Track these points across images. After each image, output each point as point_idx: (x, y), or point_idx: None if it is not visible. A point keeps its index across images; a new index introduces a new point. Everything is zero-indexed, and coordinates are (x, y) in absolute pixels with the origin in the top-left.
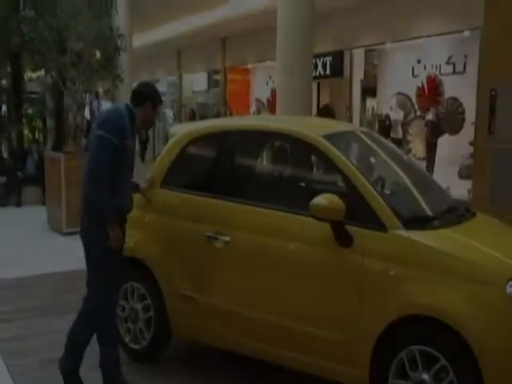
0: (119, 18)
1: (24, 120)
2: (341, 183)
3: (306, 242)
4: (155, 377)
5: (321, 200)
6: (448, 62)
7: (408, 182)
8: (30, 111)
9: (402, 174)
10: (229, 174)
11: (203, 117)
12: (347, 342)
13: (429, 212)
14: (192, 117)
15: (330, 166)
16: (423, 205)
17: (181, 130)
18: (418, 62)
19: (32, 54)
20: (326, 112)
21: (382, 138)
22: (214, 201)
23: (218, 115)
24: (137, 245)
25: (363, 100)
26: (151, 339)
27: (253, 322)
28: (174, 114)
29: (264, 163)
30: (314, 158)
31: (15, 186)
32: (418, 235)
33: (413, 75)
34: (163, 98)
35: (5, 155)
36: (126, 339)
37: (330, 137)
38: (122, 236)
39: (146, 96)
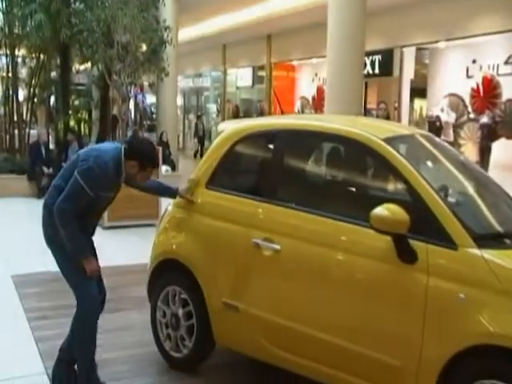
0: (166, 10)
1: (70, 111)
2: (403, 192)
3: (364, 255)
4: None
5: (383, 211)
6: (507, 62)
7: (476, 192)
8: (76, 103)
9: (468, 183)
10: (280, 177)
11: (247, 113)
12: (406, 370)
13: (501, 228)
14: (236, 112)
15: (392, 172)
16: (495, 220)
17: (229, 128)
18: (473, 61)
19: (80, 47)
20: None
21: (444, 143)
22: (263, 205)
23: (261, 112)
24: (179, 247)
25: (412, 100)
26: (193, 347)
27: (299, 338)
28: (217, 109)
29: (318, 166)
30: (373, 163)
31: None
32: (492, 255)
33: (467, 75)
34: (207, 93)
35: (51, 146)
36: (167, 346)
37: (390, 140)
38: (97, 263)
39: (134, 155)
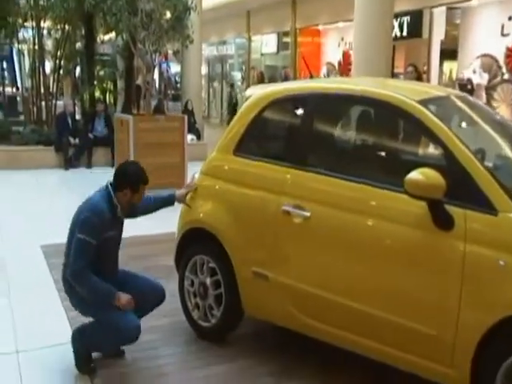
0: None
1: (96, 82)
2: (439, 156)
3: (397, 221)
4: (223, 357)
5: (418, 175)
6: None
7: None
8: (101, 73)
9: (507, 145)
10: (309, 142)
11: (272, 79)
12: (443, 340)
13: None
14: (261, 79)
15: (427, 135)
16: None
17: (257, 93)
18: (510, 18)
19: (104, 15)
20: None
21: (481, 104)
22: (292, 171)
23: (286, 78)
24: (206, 215)
25: (441, 63)
26: (221, 317)
27: (329, 306)
28: (242, 77)
29: (348, 131)
30: (407, 126)
31: (87, 147)
32: None
33: (502, 34)
34: (231, 60)
35: (77, 117)
36: (195, 316)
37: (425, 102)
38: (126, 296)
39: (123, 183)
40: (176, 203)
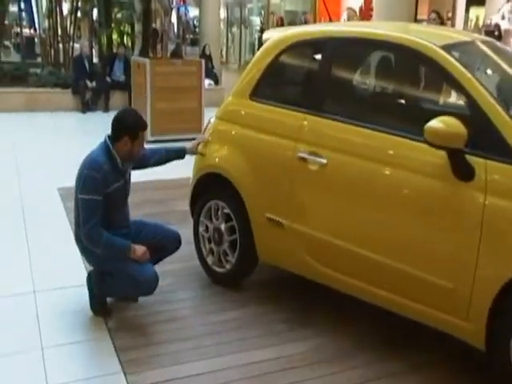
0: None
1: (113, 25)
2: (462, 104)
3: (415, 170)
4: (237, 303)
5: (438, 123)
6: None
7: None
8: (119, 15)
9: None
10: (327, 88)
11: (291, 25)
12: (459, 293)
13: None
14: (280, 24)
15: (450, 83)
16: None
17: (275, 35)
18: None
19: None
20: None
21: (508, 50)
22: (309, 117)
23: (305, 24)
24: (221, 160)
25: (467, 9)
26: (236, 263)
27: (344, 254)
28: (261, 22)
29: (368, 76)
30: (429, 72)
31: (104, 91)
32: None
33: None
34: (250, 5)
35: (95, 60)
36: (209, 261)
37: (449, 47)
38: (141, 248)
39: (121, 130)
40: (187, 156)
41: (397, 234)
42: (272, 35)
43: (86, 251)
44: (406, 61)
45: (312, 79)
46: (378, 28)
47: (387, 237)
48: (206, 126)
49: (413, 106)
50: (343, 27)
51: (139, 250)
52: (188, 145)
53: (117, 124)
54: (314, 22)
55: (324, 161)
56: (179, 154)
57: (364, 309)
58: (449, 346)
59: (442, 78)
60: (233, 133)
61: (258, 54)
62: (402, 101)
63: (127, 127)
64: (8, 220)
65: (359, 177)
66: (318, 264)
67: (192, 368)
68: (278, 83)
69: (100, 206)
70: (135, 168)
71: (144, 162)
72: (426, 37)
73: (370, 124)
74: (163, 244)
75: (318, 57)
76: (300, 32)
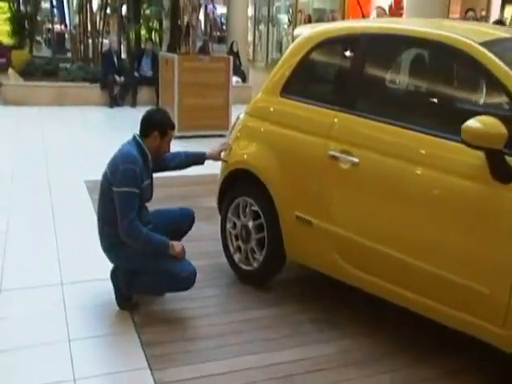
0: None
1: (142, 20)
2: (503, 104)
3: (451, 171)
4: (263, 302)
5: (476, 123)
6: None
7: None
8: (147, 11)
9: None
10: (359, 85)
11: (319, 22)
12: (496, 298)
13: None
14: (308, 23)
15: (490, 80)
16: None
17: (307, 32)
18: None
19: None
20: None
21: None
22: (340, 115)
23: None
24: (250, 157)
25: (503, 8)
26: (263, 261)
27: (374, 255)
28: (289, 20)
29: (402, 74)
30: (467, 70)
31: (132, 86)
32: None
33: None
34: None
35: (123, 55)
36: (236, 258)
37: (488, 44)
38: (179, 244)
39: (151, 126)
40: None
41: (429, 236)
42: (303, 31)
43: (112, 249)
44: (443, 58)
45: (344, 76)
46: (412, 24)
47: (419, 239)
48: (235, 122)
49: (449, 104)
50: (377, 23)
51: (178, 246)
52: (209, 150)
53: (146, 121)
54: (343, 20)
55: (356, 160)
56: (199, 160)
57: (394, 312)
58: (482, 353)
59: (481, 75)
60: (262, 129)
61: (288, 50)
62: (438, 99)
63: (157, 123)
64: (37, 212)
65: (391, 177)
66: (347, 264)
67: (217, 366)
68: (308, 80)
69: (137, 200)
70: (154, 170)
71: (164, 165)
72: (463, 33)
73: (404, 123)
74: (179, 225)
75: (350, 53)
76: (332, 28)
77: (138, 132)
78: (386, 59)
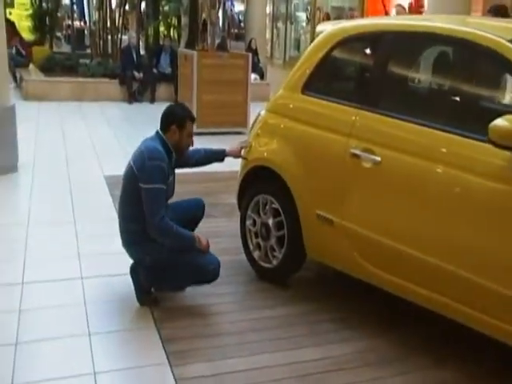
0: None
1: (160, 17)
2: None
3: (476, 172)
4: (283, 300)
5: (504, 122)
6: None
7: None
8: (166, 8)
9: None
10: (382, 83)
11: (338, 19)
12: None
13: None
14: (326, 19)
15: None
16: None
17: (329, 29)
18: None
19: None
20: (499, 15)
21: None
22: (363, 113)
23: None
24: (271, 154)
25: None
26: (283, 259)
27: (395, 255)
28: (307, 17)
29: (427, 72)
30: (495, 68)
31: (150, 82)
32: None
33: None
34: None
35: (142, 51)
36: (256, 256)
37: None
38: (204, 239)
39: (169, 120)
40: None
41: (452, 236)
42: (326, 28)
43: (135, 245)
44: (468, 55)
45: (366, 74)
46: (437, 21)
47: (442, 239)
48: (255, 119)
49: (475, 103)
50: (401, 20)
51: (204, 240)
52: (229, 148)
53: (165, 115)
54: (362, 18)
55: (378, 158)
56: (219, 157)
57: (415, 312)
58: (504, 356)
59: (509, 73)
60: (283, 126)
61: (310, 47)
62: (463, 98)
63: (175, 116)
64: (57, 206)
65: (414, 176)
66: (368, 263)
67: (237, 364)
68: (331, 77)
69: (164, 196)
70: (175, 166)
71: (184, 161)
72: (491, 30)
73: (428, 122)
74: (195, 214)
75: (373, 51)
76: (355, 25)
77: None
78: (409, 57)
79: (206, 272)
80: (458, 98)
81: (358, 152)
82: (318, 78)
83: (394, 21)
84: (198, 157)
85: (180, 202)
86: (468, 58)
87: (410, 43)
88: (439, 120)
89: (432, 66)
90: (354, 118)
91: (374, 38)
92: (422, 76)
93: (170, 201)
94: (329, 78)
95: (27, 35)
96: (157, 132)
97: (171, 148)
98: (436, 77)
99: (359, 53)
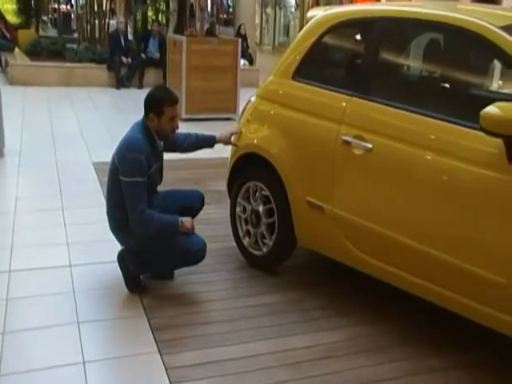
0: None
1: (148, 1)
2: None
3: (466, 159)
4: (273, 287)
5: (495, 109)
6: None
7: None
8: None
9: None
10: (373, 70)
11: (327, 5)
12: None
13: None
14: (315, 5)
15: (510, 66)
16: None
17: (321, 14)
18: None
19: None
20: (488, 1)
21: None
22: (353, 100)
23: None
24: (261, 141)
25: None
26: (273, 246)
27: (386, 242)
28: (296, 3)
29: (418, 59)
30: (486, 55)
31: (138, 67)
32: None
33: None
34: None
35: (129, 36)
36: (245, 243)
37: (509, 29)
38: (188, 220)
39: (148, 107)
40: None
41: (442, 224)
42: (317, 14)
43: (119, 232)
44: (461, 42)
45: (358, 60)
46: (430, 8)
47: (431, 226)
48: (246, 105)
49: (466, 91)
50: (394, 7)
51: (187, 222)
52: (220, 134)
53: (145, 101)
54: (351, 3)
55: (369, 145)
56: (209, 143)
57: (405, 300)
58: (497, 345)
59: (500, 61)
60: (273, 112)
61: (301, 32)
62: (455, 85)
63: (152, 102)
64: (45, 193)
65: (405, 163)
66: (358, 251)
67: (227, 352)
68: (322, 63)
69: (145, 188)
70: (166, 150)
71: (175, 146)
72: (483, 17)
73: (419, 109)
74: (189, 205)
75: (365, 37)
76: (346, 11)
77: None
78: (401, 43)
79: (191, 253)
80: (449, 85)
81: (349, 139)
82: (309, 64)
83: (386, 7)
84: (188, 142)
85: (177, 190)
86: (460, 45)
87: (401, 29)
88: (431, 107)
89: (423, 53)
90: (345, 104)
91: (366, 24)
92: (414, 63)
93: (164, 187)
94: (320, 64)
95: (12, 18)
96: (143, 119)
97: (154, 135)
98: (427, 63)
99: (351, 39)
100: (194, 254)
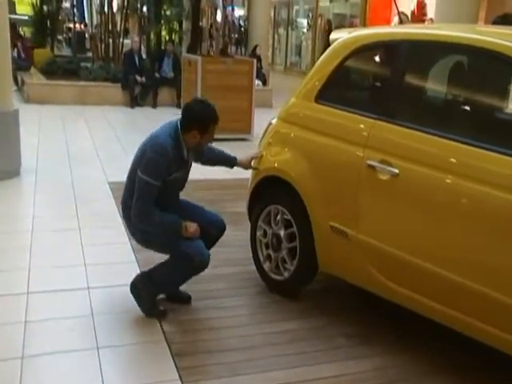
0: None
1: (162, 21)
2: None
3: (500, 186)
4: (295, 313)
5: None
6: None
7: None
8: (168, 13)
9: None
10: (399, 93)
11: (340, 27)
12: None
13: None
14: (328, 28)
15: None
16: None
17: (344, 37)
18: None
19: None
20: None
21: None
22: (379, 123)
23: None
24: (283, 164)
25: None
26: (294, 271)
27: (412, 270)
28: (308, 24)
29: (444, 82)
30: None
31: (153, 87)
32: None
33: None
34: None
35: (143, 55)
36: (266, 267)
37: None
38: (193, 225)
39: (191, 123)
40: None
41: (473, 253)
42: (341, 36)
43: (127, 218)
44: (488, 65)
45: (382, 83)
46: (455, 30)
47: (460, 253)
48: (267, 127)
49: (496, 114)
50: (418, 29)
51: (191, 226)
52: (240, 158)
53: (188, 116)
54: (364, 26)
55: (396, 171)
56: (230, 163)
57: (433, 329)
58: None
59: None
60: (296, 135)
61: (324, 55)
62: (484, 109)
63: (198, 120)
64: (61, 212)
65: (433, 189)
66: (383, 277)
67: (249, 381)
68: (345, 86)
69: (156, 191)
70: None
71: (198, 157)
72: (508, 38)
73: (447, 134)
74: (209, 230)
75: (389, 60)
76: (370, 33)
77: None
78: (426, 66)
79: (193, 261)
80: (480, 110)
81: (374, 163)
82: (333, 87)
83: (411, 30)
84: (210, 156)
85: (203, 210)
86: (488, 67)
87: (426, 52)
88: (461, 132)
89: (451, 76)
90: (370, 128)
91: (391, 47)
92: (440, 86)
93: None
94: (344, 86)
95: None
96: (176, 126)
97: (183, 146)
98: (455, 87)
99: (375, 62)
100: (196, 262)
